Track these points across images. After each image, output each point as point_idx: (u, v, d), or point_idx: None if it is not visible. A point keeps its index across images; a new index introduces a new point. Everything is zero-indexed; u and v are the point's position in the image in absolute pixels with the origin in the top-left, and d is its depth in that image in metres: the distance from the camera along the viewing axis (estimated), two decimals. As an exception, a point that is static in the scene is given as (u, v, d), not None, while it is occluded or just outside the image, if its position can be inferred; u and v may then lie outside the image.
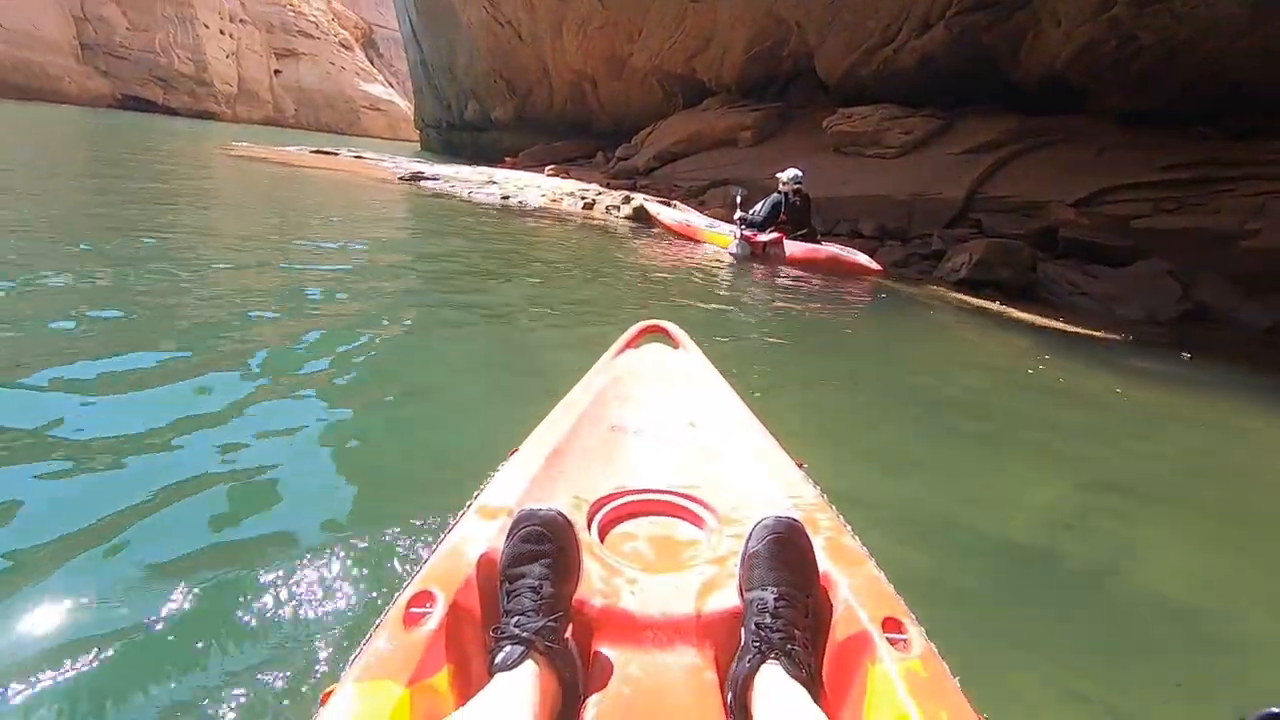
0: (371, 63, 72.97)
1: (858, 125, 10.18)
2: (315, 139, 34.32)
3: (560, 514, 0.98)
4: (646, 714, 0.86)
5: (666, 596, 1.00)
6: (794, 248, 7.29)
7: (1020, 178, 8.40)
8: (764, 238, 7.40)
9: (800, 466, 1.37)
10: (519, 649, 0.83)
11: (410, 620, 0.87)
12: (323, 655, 1.24)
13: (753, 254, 7.42)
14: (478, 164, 17.60)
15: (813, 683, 0.87)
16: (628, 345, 1.90)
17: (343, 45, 67.66)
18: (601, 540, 1.14)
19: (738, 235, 7.53)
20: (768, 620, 0.90)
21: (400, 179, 11.71)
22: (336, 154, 16.04)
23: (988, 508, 2.31)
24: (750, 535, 1.01)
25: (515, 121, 22.05)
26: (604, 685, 0.89)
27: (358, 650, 0.84)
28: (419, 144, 33.87)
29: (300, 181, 10.77)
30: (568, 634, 0.91)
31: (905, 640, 0.90)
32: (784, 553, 0.97)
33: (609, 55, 16.26)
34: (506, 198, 10.41)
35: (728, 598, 1.00)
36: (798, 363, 3.98)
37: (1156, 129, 7.98)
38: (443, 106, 27.80)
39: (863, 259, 7.10)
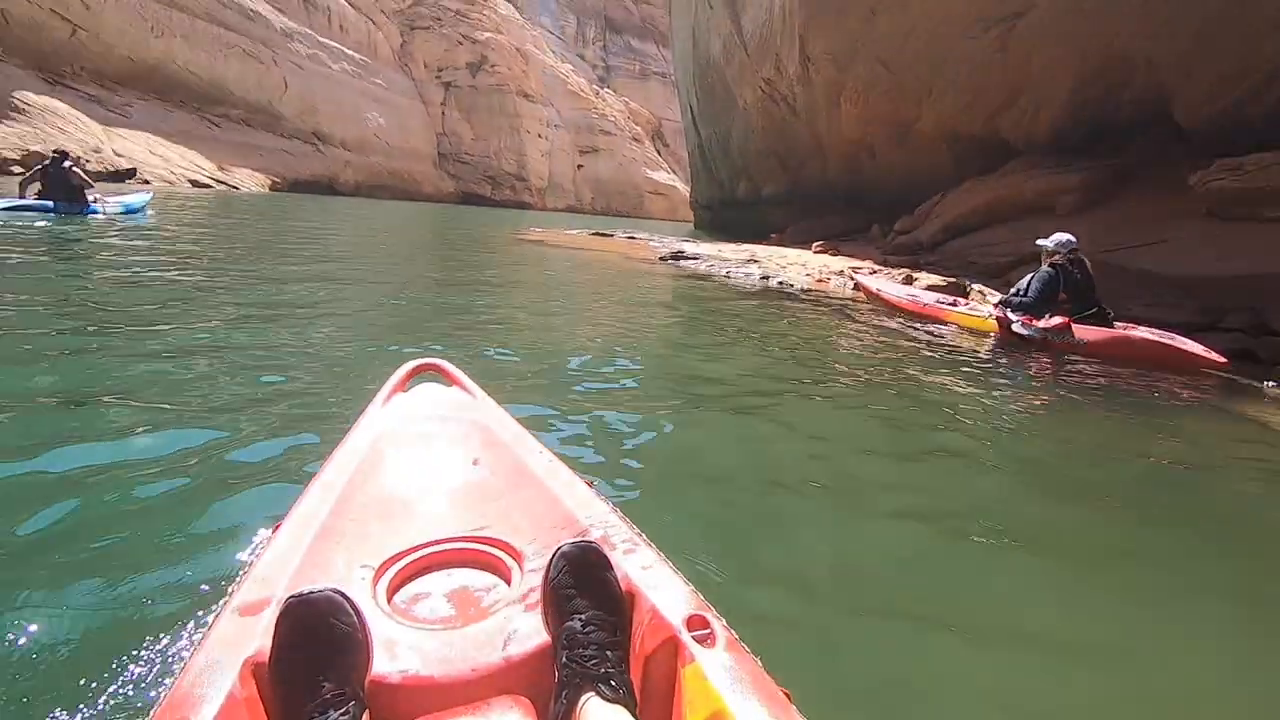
0: (658, 152, 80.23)
1: (1253, 179, 7.41)
2: (604, 222, 38.19)
3: (334, 591, 0.90)
4: None
5: (472, 650, 0.97)
6: (1089, 333, 5.78)
7: None
8: (1046, 324, 5.85)
9: (590, 485, 1.36)
10: None
11: None
12: None
13: (1029, 343, 5.93)
14: (746, 241, 17.27)
15: (631, 700, 0.87)
16: (396, 389, 1.77)
17: (634, 139, 75.49)
18: (392, 607, 1.06)
19: (1014, 319, 6.12)
20: (579, 651, 0.90)
21: (661, 258, 11.60)
22: (611, 235, 16.93)
23: None
24: (548, 567, 1.01)
25: (785, 197, 21.56)
26: None
27: None
28: (693, 223, 35.46)
29: (572, 262, 11.25)
30: None
31: (710, 634, 0.93)
32: (584, 577, 0.97)
33: (891, 121, 14.89)
34: (766, 278, 9.56)
35: (536, 636, 0.99)
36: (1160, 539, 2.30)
37: None
38: (716, 186, 28.63)
39: (1198, 348, 5.30)
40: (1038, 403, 4.39)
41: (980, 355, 5.60)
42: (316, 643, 0.86)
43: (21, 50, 28.08)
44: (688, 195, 44.31)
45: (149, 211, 11.05)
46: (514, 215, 38.79)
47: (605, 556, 1.02)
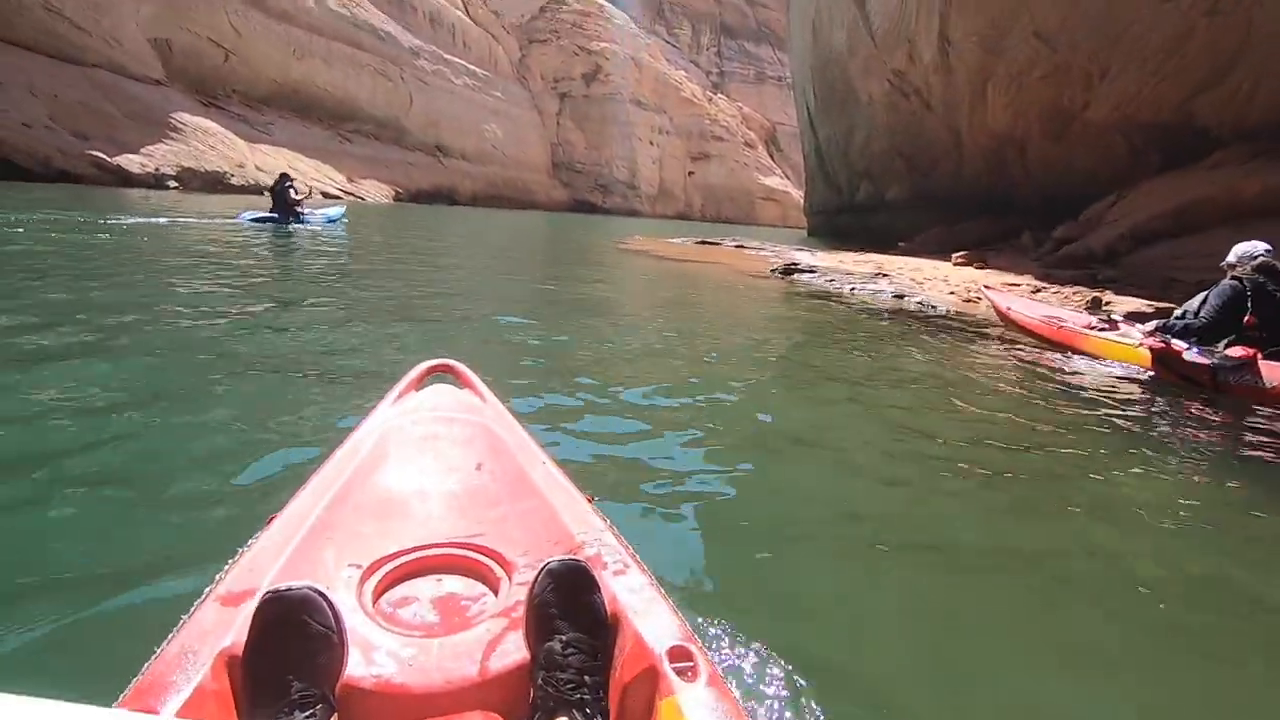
0: (771, 157, 77.99)
1: None
2: (713, 229, 37.08)
3: (311, 590, 0.89)
4: None
5: (449, 661, 0.95)
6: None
7: None
8: (1222, 355, 4.20)
9: (590, 500, 1.34)
10: None
11: None
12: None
13: (1196, 383, 4.28)
14: (865, 249, 15.53)
15: None
16: (410, 387, 1.72)
17: (747, 144, 73.75)
18: (376, 609, 1.05)
19: (1182, 346, 4.38)
20: (556, 673, 0.89)
21: (773, 272, 10.22)
22: (719, 243, 15.73)
23: None
24: (534, 582, 0.99)
25: (911, 201, 19.48)
26: None
27: None
28: (806, 229, 33.84)
29: (674, 276, 10.18)
30: None
31: (693, 667, 0.91)
32: (569, 597, 0.96)
33: (1050, 110, 12.74)
34: (901, 296, 7.98)
35: (516, 652, 0.98)
36: None
37: None
38: (833, 191, 26.73)
39: None
40: (1202, 481, 2.86)
41: (1134, 399, 4.07)
42: (288, 641, 0.85)
43: (181, 76, 30.81)
44: (800, 201, 42.31)
45: (344, 221, 14.06)
46: (621, 223, 38.35)
47: (593, 577, 1.00)
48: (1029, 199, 14.57)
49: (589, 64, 63.27)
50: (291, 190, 12.63)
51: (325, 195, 31.77)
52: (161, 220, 11.22)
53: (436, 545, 1.18)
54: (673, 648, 0.93)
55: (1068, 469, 2.85)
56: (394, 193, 39.67)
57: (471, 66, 53.68)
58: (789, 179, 75.35)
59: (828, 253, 15.20)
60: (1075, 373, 4.71)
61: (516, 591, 1.08)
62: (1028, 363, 4.95)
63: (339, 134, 40.38)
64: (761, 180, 72.18)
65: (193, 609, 0.96)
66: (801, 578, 1.87)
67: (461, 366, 1.86)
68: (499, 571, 1.15)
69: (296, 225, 12.33)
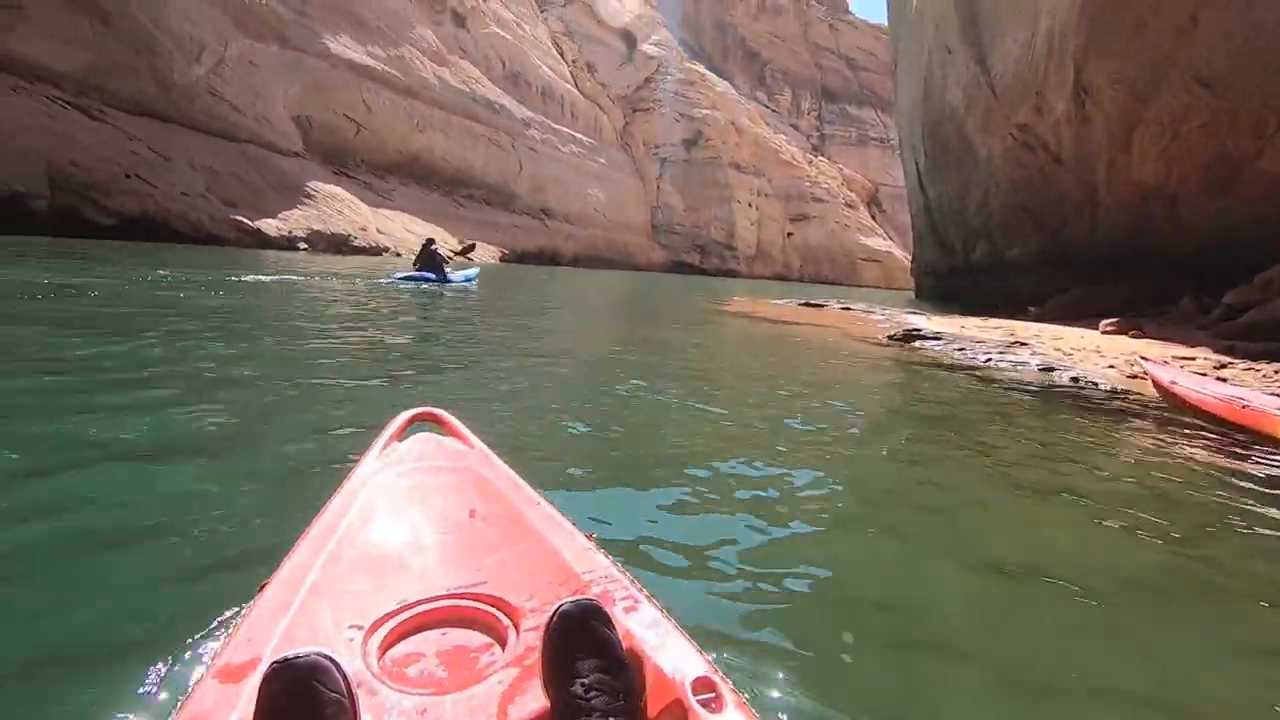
0: (873, 217, 76.28)
1: None
2: (813, 290, 36.07)
3: (320, 655, 0.86)
4: None
5: (465, 717, 0.93)
6: None
7: None
8: None
9: (590, 538, 1.31)
10: None
11: None
12: None
13: None
14: (979, 313, 14.22)
15: None
16: (393, 438, 1.67)
17: (848, 205, 72.60)
18: (382, 669, 1.02)
19: None
20: (580, 717, 0.86)
21: (890, 339, 9.30)
22: (824, 305, 14.91)
23: None
24: (547, 626, 0.98)
25: (1037, 261, 17.89)
26: None
27: None
28: (913, 291, 32.35)
29: (777, 340, 9.48)
30: None
31: (717, 698, 0.90)
32: (585, 638, 0.94)
33: (1214, 160, 11.30)
34: (1050, 369, 6.87)
35: (534, 700, 0.95)
36: None
37: None
38: (944, 251, 25.30)
39: None
40: None
41: None
42: (299, 712, 0.81)
43: (318, 148, 33.80)
44: (906, 261, 40.61)
45: (477, 281, 15.33)
46: (719, 284, 38.08)
47: (607, 615, 0.98)
48: (1180, 256, 12.87)
49: (690, 130, 64.83)
50: (437, 252, 14.13)
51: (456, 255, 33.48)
52: (331, 280, 12.28)
53: (438, 598, 1.15)
54: (696, 679, 0.91)
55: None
56: (501, 253, 41.39)
57: (578, 135, 56.23)
58: (892, 239, 73.26)
59: (944, 317, 14.00)
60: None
61: (526, 638, 1.06)
62: (1207, 453, 3.88)
63: (453, 199, 42.91)
64: (863, 241, 70.45)
65: (190, 689, 0.93)
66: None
67: (444, 413, 1.80)
68: (505, 619, 1.12)
69: (444, 282, 13.69)
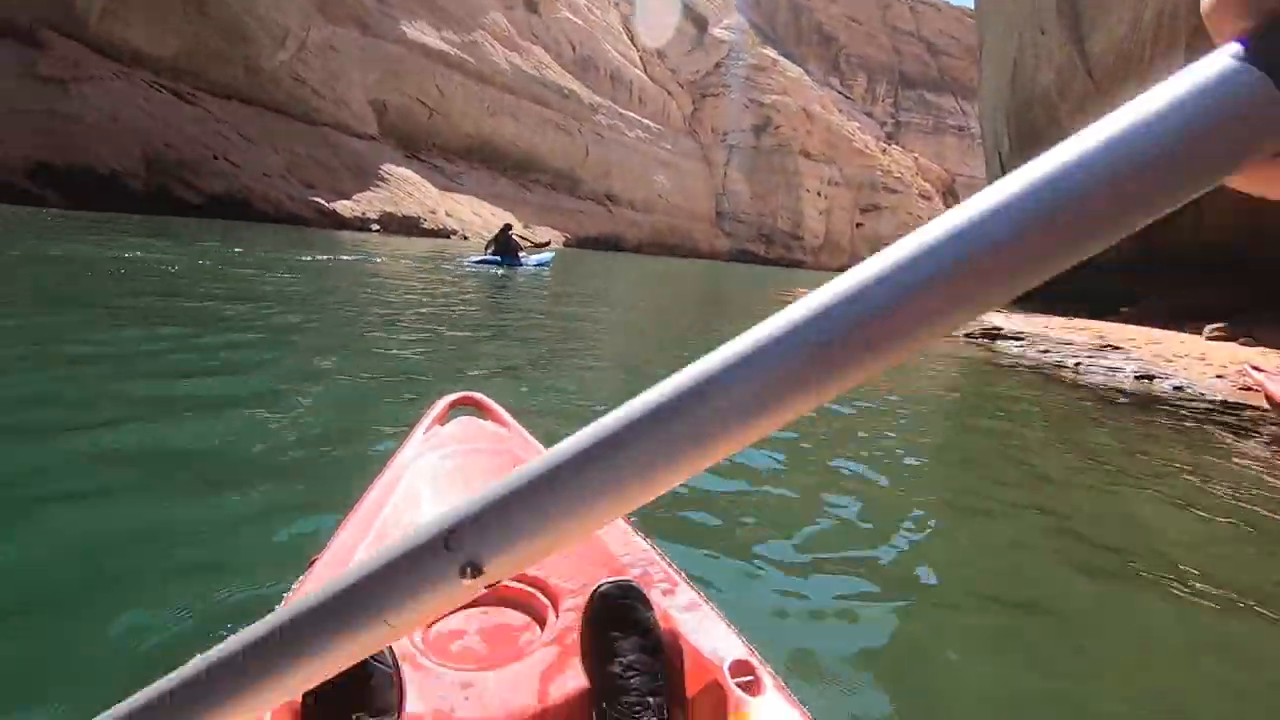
0: (948, 208, 73.02)
1: None
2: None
3: None
4: None
5: (506, 693, 0.95)
6: None
7: None
8: None
9: (628, 521, 1.31)
10: None
11: None
12: None
13: None
14: (1060, 311, 13.28)
15: None
16: (435, 422, 1.71)
17: (922, 196, 69.83)
18: (426, 644, 1.05)
19: None
20: (619, 697, 0.87)
21: (966, 337, 8.77)
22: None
23: None
24: (587, 607, 0.99)
25: (1128, 259, 16.64)
26: None
27: None
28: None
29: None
30: None
31: (756, 681, 0.90)
32: (624, 619, 0.94)
33: (1347, 152, 10.17)
34: (1146, 378, 6.31)
35: (574, 678, 0.97)
36: None
37: None
38: (1027, 246, 24.03)
39: None
40: None
41: None
42: (350, 681, 0.82)
43: (393, 132, 34.67)
44: (986, 256, 38.73)
45: (551, 265, 16.10)
46: (785, 274, 37.29)
47: (646, 597, 0.98)
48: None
49: (759, 116, 63.53)
50: (513, 237, 15.00)
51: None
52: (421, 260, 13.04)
53: None
54: (734, 662, 0.91)
55: None
56: (564, 238, 41.66)
57: (645, 120, 55.87)
58: (969, 233, 70.10)
59: (1024, 315, 13.18)
60: None
61: (565, 618, 1.08)
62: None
63: (520, 183, 43.38)
64: (937, 233, 67.65)
65: None
66: None
67: (483, 397, 1.86)
68: (544, 599, 1.15)
69: (517, 266, 14.47)
